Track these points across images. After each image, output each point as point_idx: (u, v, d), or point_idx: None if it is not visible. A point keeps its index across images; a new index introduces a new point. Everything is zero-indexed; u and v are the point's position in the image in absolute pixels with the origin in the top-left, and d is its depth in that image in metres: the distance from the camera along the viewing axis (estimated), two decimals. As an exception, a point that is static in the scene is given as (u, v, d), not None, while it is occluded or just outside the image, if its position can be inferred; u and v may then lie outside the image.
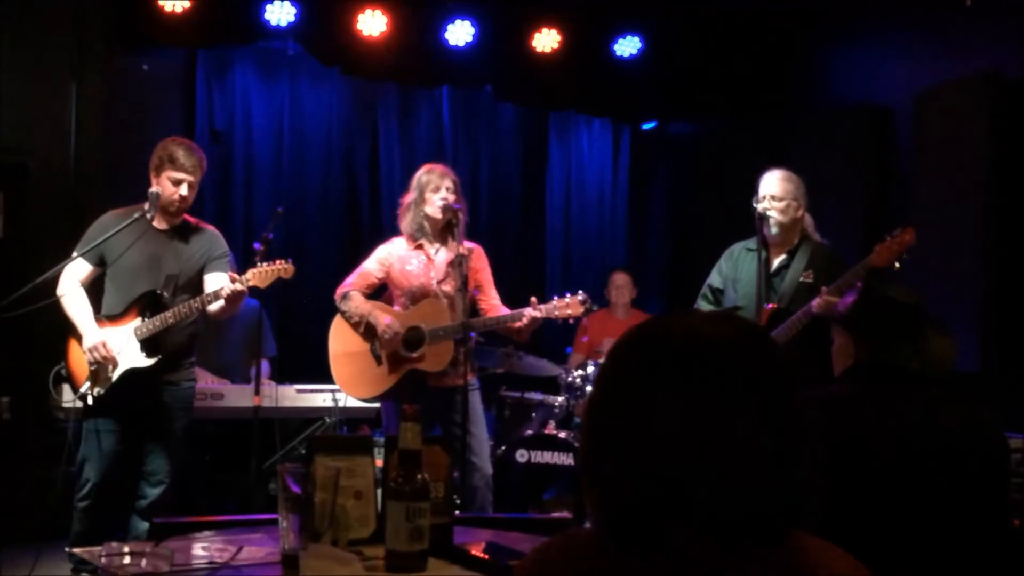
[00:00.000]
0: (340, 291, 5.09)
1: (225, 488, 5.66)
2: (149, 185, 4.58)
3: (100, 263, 4.61)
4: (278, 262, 4.59)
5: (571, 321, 4.94)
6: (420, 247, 5.01)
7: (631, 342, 1.30)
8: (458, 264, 4.77)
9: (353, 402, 5.46)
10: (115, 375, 4.49)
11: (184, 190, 4.54)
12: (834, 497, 2.34)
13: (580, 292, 4.88)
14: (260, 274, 4.55)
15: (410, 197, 5.03)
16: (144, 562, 1.97)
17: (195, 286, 4.63)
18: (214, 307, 4.54)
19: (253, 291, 5.37)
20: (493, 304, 5.07)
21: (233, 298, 4.47)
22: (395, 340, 4.89)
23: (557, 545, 1.30)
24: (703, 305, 5.02)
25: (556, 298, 4.87)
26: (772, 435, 1.21)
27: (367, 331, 5.00)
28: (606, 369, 1.31)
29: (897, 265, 4.39)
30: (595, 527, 1.28)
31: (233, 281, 4.45)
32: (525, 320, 4.82)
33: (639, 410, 1.23)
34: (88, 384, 4.51)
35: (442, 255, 4.99)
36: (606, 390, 1.30)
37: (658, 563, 1.21)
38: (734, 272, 4.91)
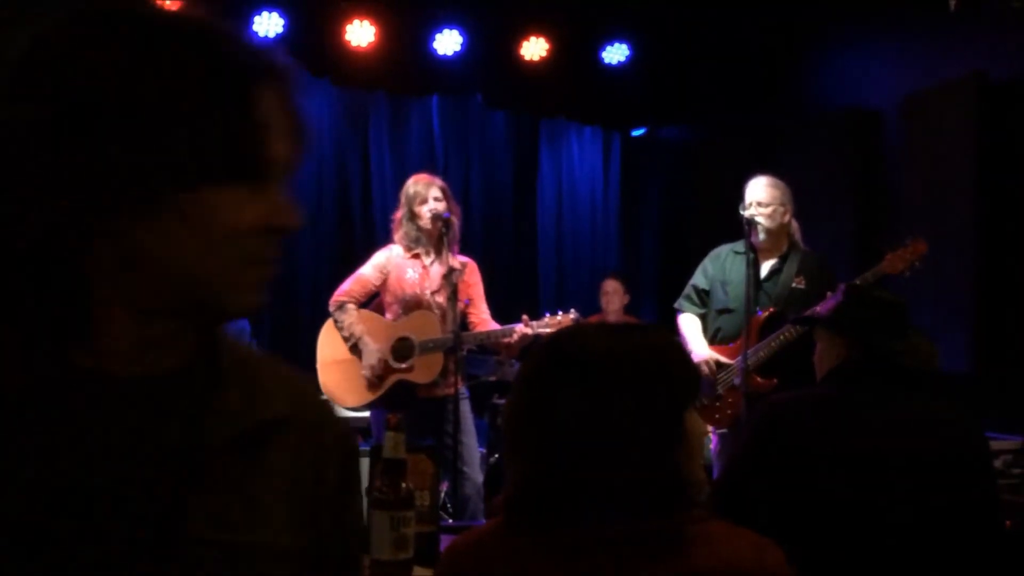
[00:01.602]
0: (336, 299, 5.07)
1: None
2: None
3: None
4: None
5: None
6: (416, 256, 5.01)
7: (537, 353, 1.57)
8: (450, 277, 4.79)
9: (344, 412, 5.46)
10: None
11: None
12: (826, 496, 2.35)
13: (572, 310, 4.90)
14: None
15: (402, 210, 5.03)
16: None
17: None
18: None
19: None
20: (483, 319, 5.07)
21: None
22: (372, 377, 4.91)
23: (472, 534, 1.60)
24: (687, 306, 5.03)
25: (548, 315, 4.89)
26: (647, 426, 1.47)
27: (354, 349, 5.00)
28: (518, 376, 1.60)
29: (907, 273, 4.42)
30: (506, 512, 1.53)
31: None
32: (515, 337, 4.83)
33: (541, 407, 1.50)
34: None
35: (437, 266, 4.99)
36: (517, 393, 1.57)
37: (564, 538, 1.45)
38: (722, 274, 4.93)
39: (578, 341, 1.55)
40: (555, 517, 1.47)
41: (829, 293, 4.45)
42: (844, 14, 6.82)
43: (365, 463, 2.43)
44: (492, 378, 6.25)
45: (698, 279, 5.03)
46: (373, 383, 4.95)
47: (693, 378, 1.60)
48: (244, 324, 5.83)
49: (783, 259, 4.82)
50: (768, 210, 4.75)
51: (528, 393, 1.55)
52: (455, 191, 5.21)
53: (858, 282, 4.39)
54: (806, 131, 7.01)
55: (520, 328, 4.82)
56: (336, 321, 5.04)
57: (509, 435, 1.58)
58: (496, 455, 5.93)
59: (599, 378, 1.48)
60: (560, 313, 4.88)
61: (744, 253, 4.82)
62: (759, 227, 4.74)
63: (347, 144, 7.50)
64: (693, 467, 1.54)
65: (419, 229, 4.96)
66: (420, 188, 4.96)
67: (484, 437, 6.16)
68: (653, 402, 1.48)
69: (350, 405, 5.15)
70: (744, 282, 4.73)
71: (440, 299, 4.95)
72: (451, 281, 4.77)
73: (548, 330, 4.83)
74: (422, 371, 4.89)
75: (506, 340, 4.88)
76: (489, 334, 4.93)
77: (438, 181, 5.02)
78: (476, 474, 4.99)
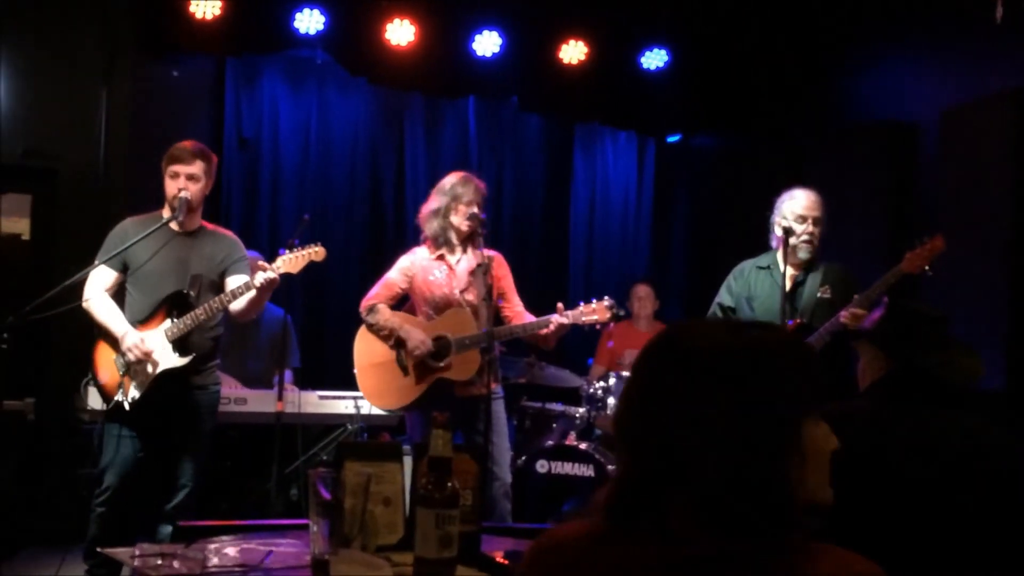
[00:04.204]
0: (366, 303, 5.08)
1: (246, 493, 5.69)
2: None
3: (123, 270, 4.59)
4: (308, 246, 4.58)
5: (597, 327, 4.91)
6: (442, 257, 5.01)
7: (655, 341, 1.49)
8: (482, 274, 4.76)
9: (374, 409, 5.48)
10: (150, 379, 4.46)
11: (181, 182, 4.53)
12: (860, 510, 2.35)
13: (606, 297, 4.86)
14: (291, 260, 4.53)
15: (437, 203, 5.00)
16: (176, 563, 1.99)
17: (217, 289, 4.63)
18: (242, 302, 4.52)
19: (279, 299, 5.44)
20: (517, 311, 5.06)
21: (265, 287, 4.45)
22: (425, 356, 4.90)
23: (561, 533, 1.50)
24: None
25: (582, 304, 4.85)
26: (752, 431, 1.36)
27: (396, 344, 4.99)
28: (633, 364, 1.51)
29: (928, 270, 4.41)
30: (603, 513, 1.45)
31: (264, 270, 4.45)
32: (552, 327, 4.81)
33: (645, 400, 1.44)
34: (121, 391, 4.48)
35: (463, 264, 4.99)
36: (629, 382, 1.49)
37: (655, 552, 1.37)
38: (747, 290, 4.93)
39: (693, 333, 1.46)
40: (648, 525, 1.39)
41: (855, 298, 4.47)
42: (884, 26, 6.79)
43: (408, 461, 2.46)
44: (521, 380, 6.25)
45: (723, 297, 5.02)
46: (414, 379, 4.93)
47: (816, 384, 1.45)
48: (279, 312, 5.86)
49: (807, 271, 4.83)
50: (818, 229, 4.76)
51: (635, 384, 1.47)
52: (488, 194, 5.21)
53: (881, 287, 4.40)
54: (843, 142, 6.98)
55: (556, 318, 4.79)
56: (370, 324, 5.04)
57: (616, 427, 1.49)
58: (524, 457, 5.94)
59: (705, 374, 1.39)
60: (595, 301, 4.84)
61: (768, 267, 4.85)
62: (801, 241, 4.73)
63: (382, 144, 7.51)
64: (809, 485, 1.43)
65: (451, 227, 4.96)
66: (469, 191, 4.91)
67: (512, 439, 6.16)
68: (762, 405, 1.37)
69: (388, 408, 5.15)
70: (772, 296, 4.74)
71: (470, 296, 4.93)
72: (484, 281, 4.74)
73: (584, 319, 4.82)
74: (460, 368, 4.89)
75: (542, 331, 4.86)
76: (524, 327, 4.90)
77: (483, 187, 4.99)
78: (505, 474, 4.99)
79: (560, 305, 4.85)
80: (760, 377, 1.39)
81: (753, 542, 1.34)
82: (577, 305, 4.86)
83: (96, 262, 4.56)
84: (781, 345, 1.44)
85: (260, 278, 4.42)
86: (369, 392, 5.08)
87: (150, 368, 4.46)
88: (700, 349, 1.41)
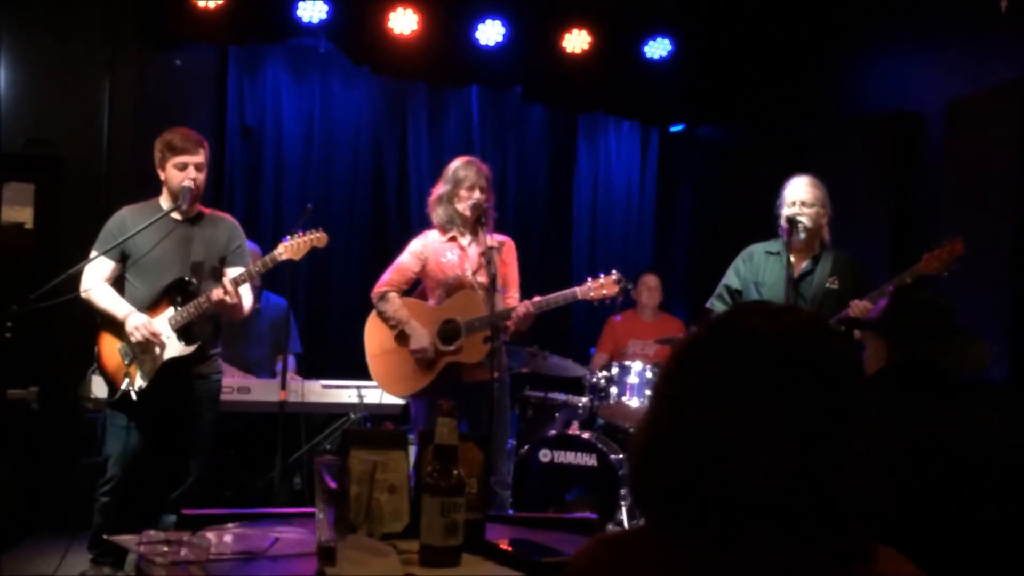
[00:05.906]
0: (378, 290, 5.08)
1: (250, 482, 5.69)
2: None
3: (122, 259, 4.58)
4: (310, 232, 4.58)
5: (607, 301, 4.90)
6: (453, 239, 5.02)
7: (692, 342, 1.35)
8: (487, 262, 4.75)
9: (377, 398, 5.49)
10: (156, 367, 4.46)
11: (192, 172, 4.52)
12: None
13: (614, 271, 4.86)
14: (293, 246, 4.53)
15: (443, 189, 5.02)
16: (184, 551, 1.99)
17: (218, 275, 4.62)
18: (243, 289, 4.53)
19: (282, 287, 5.44)
20: (513, 302, 5.06)
21: (262, 269, 4.50)
22: (424, 360, 4.90)
23: (609, 542, 1.35)
24: (719, 306, 5.02)
25: (590, 279, 4.85)
26: (817, 429, 1.25)
27: (400, 336, 5.00)
28: (670, 370, 1.36)
29: (945, 274, 4.42)
30: (653, 524, 1.32)
31: (265, 263, 4.49)
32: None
33: (698, 406, 1.28)
34: (127, 380, 4.47)
35: (474, 247, 5.00)
36: (670, 378, 1.35)
37: (721, 557, 1.25)
38: (756, 275, 4.92)
39: (743, 321, 1.33)
40: (693, 525, 1.27)
41: (857, 300, 4.46)
42: (889, 16, 6.77)
43: (412, 451, 2.46)
44: (524, 369, 6.25)
45: (731, 279, 5.01)
46: (425, 366, 4.94)
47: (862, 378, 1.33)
48: (282, 301, 5.87)
49: (815, 260, 4.83)
50: (812, 210, 4.75)
51: (677, 376, 1.33)
52: (492, 179, 5.21)
53: (896, 283, 4.40)
54: (848, 133, 6.96)
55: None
56: (380, 312, 5.04)
57: (654, 419, 1.34)
58: (526, 446, 5.94)
59: (762, 363, 1.27)
60: (602, 276, 4.84)
61: (778, 253, 4.83)
62: (800, 227, 4.73)
63: (385, 133, 7.50)
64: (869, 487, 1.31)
65: (456, 212, 4.97)
66: (471, 174, 4.94)
67: (514, 428, 6.17)
68: (824, 399, 1.26)
69: (401, 394, 5.16)
70: (780, 283, 4.73)
71: (482, 278, 4.93)
72: (490, 270, 4.73)
73: (592, 294, 4.81)
74: (471, 351, 4.88)
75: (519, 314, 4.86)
76: (548, 301, 4.89)
77: (486, 170, 5.01)
78: (501, 463, 5.01)
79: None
80: (820, 368, 1.28)
81: (807, 545, 1.26)
82: (584, 281, 4.86)
83: (94, 252, 4.54)
84: (832, 335, 1.33)
85: (260, 266, 4.47)
86: (381, 379, 5.08)
87: (157, 351, 4.45)
88: (753, 338, 1.30)
